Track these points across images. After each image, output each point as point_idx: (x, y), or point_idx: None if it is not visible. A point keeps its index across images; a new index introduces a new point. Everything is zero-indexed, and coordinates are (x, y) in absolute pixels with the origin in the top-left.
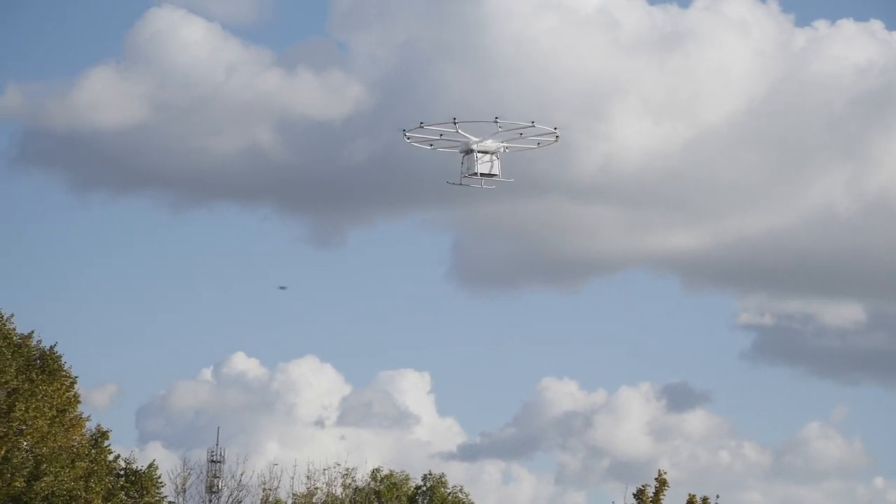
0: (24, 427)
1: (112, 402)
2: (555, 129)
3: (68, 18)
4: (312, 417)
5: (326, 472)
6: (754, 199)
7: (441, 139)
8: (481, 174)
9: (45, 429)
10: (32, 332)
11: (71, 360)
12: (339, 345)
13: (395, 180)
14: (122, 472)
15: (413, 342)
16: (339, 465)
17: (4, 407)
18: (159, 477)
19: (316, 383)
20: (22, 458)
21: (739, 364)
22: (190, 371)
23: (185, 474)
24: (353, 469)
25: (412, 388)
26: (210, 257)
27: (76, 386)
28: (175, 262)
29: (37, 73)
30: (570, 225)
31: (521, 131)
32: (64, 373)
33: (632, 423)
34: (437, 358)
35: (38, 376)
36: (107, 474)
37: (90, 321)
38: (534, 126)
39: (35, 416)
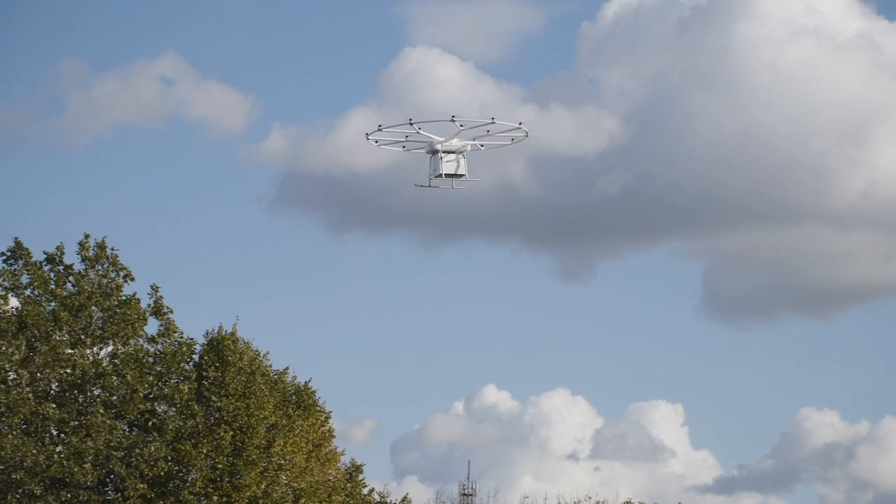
0: (282, 462)
1: (370, 438)
2: (520, 124)
3: (327, 61)
4: (565, 450)
5: None
6: None
7: (407, 140)
8: (446, 175)
9: (303, 463)
10: (287, 368)
11: (329, 397)
12: (591, 377)
13: (644, 212)
14: None
15: (665, 374)
16: (590, 497)
17: (264, 442)
18: None
19: (568, 416)
20: (282, 492)
21: None
22: (442, 404)
23: None
24: (604, 501)
25: (665, 421)
26: (461, 292)
27: (330, 421)
28: (426, 298)
29: (299, 117)
30: (826, 252)
31: (487, 128)
32: (318, 408)
33: None
34: (689, 389)
35: (294, 412)
36: None
37: (346, 357)
38: (494, 123)
39: (293, 451)
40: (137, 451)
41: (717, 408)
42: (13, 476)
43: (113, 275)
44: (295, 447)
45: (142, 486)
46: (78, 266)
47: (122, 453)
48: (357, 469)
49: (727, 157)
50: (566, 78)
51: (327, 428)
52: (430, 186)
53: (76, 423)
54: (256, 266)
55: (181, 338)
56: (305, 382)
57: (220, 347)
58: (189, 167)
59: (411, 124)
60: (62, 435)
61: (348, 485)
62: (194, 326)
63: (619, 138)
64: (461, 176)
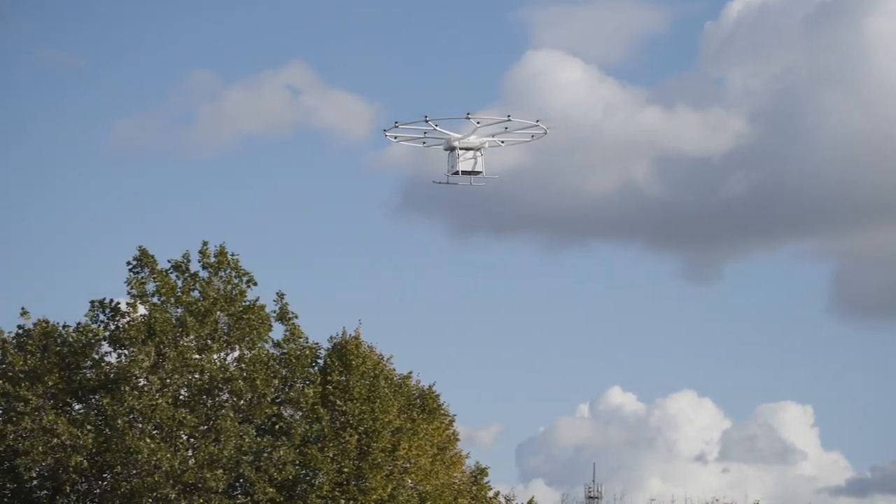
0: (407, 465)
1: (495, 441)
2: (537, 121)
3: (449, 66)
4: (693, 453)
5: None
6: None
7: (426, 137)
8: (463, 172)
9: (428, 467)
10: (410, 372)
11: (455, 400)
12: (717, 379)
13: (771, 212)
14: None
15: (793, 375)
16: (717, 500)
17: (389, 446)
18: None
19: (695, 418)
20: (407, 495)
21: None
22: (568, 407)
23: None
24: None
25: (794, 422)
26: (585, 295)
27: (455, 424)
28: (550, 300)
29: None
30: None
31: (504, 125)
32: (443, 411)
33: None
34: (819, 390)
35: (418, 415)
36: None
37: (471, 361)
38: (510, 120)
39: (418, 455)
40: (266, 455)
41: (848, 409)
42: (147, 480)
43: (237, 280)
44: (420, 450)
45: (270, 490)
46: (202, 273)
47: (251, 458)
48: (482, 472)
49: (857, 155)
50: (690, 78)
51: (452, 431)
52: (447, 183)
53: (205, 427)
54: (380, 271)
55: (306, 343)
56: (429, 386)
57: (343, 352)
58: (315, 175)
59: (427, 121)
60: (192, 440)
61: (473, 488)
62: (319, 331)
63: (746, 138)
64: (479, 173)
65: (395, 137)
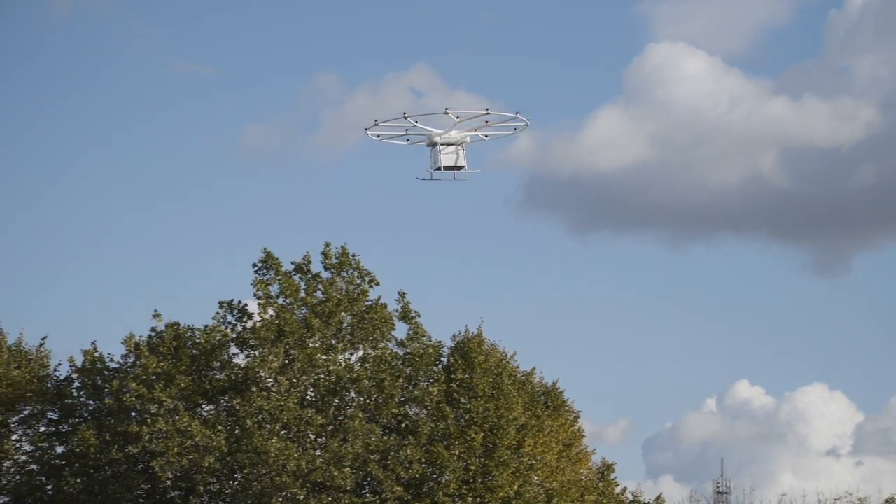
0: (533, 462)
1: (623, 437)
2: (517, 113)
3: (571, 62)
4: (825, 447)
5: (837, 501)
6: None
7: (408, 133)
8: (445, 167)
9: (554, 463)
10: (534, 368)
11: (581, 397)
12: (849, 371)
13: None
14: None
15: None
16: (850, 494)
17: (514, 443)
18: None
19: (826, 412)
20: (534, 492)
21: None
22: (695, 402)
23: None
24: (865, 498)
25: None
26: (710, 289)
27: (580, 420)
28: (675, 295)
29: (545, 119)
30: None
31: (485, 119)
32: (567, 408)
33: None
34: None
35: (543, 412)
36: None
37: (595, 357)
38: (489, 113)
39: (543, 451)
40: (393, 454)
41: None
42: (276, 480)
43: (359, 280)
44: (545, 447)
45: (398, 488)
46: (324, 274)
47: (379, 457)
48: (608, 468)
49: None
50: (817, 68)
51: (577, 427)
52: (431, 179)
53: (332, 427)
54: (502, 268)
55: (429, 341)
56: (553, 382)
57: (466, 350)
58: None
59: (406, 118)
60: (319, 439)
61: (600, 484)
62: (441, 329)
63: (876, 127)
64: (461, 168)
65: (378, 136)
